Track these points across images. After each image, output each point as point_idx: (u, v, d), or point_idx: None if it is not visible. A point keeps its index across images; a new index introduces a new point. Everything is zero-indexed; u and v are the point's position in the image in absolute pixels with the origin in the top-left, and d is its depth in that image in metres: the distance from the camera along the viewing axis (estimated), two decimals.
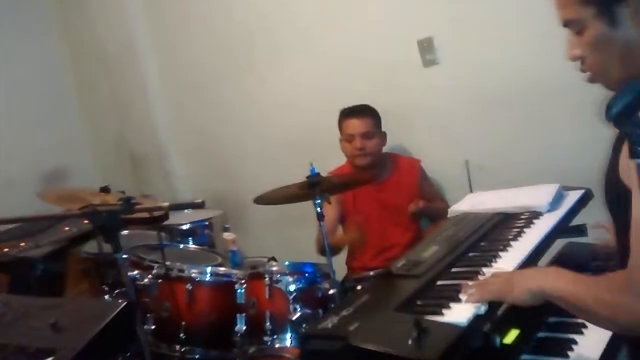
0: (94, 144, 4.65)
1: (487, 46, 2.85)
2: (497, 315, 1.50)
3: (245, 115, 3.82)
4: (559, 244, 2.04)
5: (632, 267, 1.15)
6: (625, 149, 1.14)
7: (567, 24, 1.24)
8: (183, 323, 2.43)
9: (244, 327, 2.35)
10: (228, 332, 2.37)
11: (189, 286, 2.43)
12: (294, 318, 2.23)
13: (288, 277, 2.34)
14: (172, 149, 4.27)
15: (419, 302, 1.50)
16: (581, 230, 2.03)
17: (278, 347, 2.31)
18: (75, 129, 4.55)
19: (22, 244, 2.80)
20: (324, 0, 3.32)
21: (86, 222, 2.76)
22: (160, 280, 2.52)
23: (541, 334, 1.71)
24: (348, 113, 2.95)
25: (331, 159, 3.12)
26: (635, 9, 1.15)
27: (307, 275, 2.34)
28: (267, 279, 2.32)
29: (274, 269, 2.36)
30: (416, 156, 3.15)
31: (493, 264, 1.65)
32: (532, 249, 1.75)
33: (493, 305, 1.43)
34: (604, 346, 1.62)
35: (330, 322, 1.40)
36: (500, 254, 1.72)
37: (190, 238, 3.56)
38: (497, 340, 1.46)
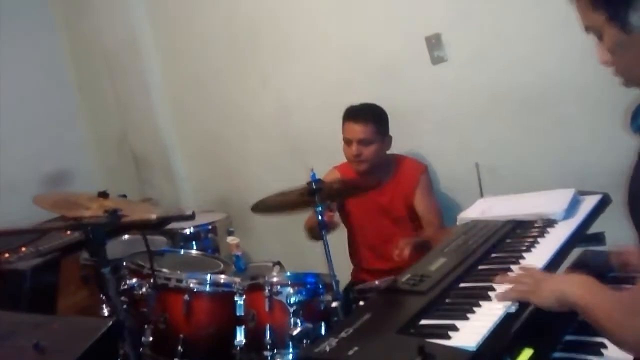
0: (96, 145, 4.59)
1: (498, 42, 2.73)
2: (510, 333, 1.40)
3: (250, 115, 3.74)
4: (574, 251, 1.93)
5: None
6: None
7: (587, 29, 1.24)
8: (181, 335, 2.34)
9: (244, 341, 2.25)
10: (227, 345, 2.28)
11: (186, 297, 2.34)
12: (294, 333, 2.14)
13: (289, 288, 2.24)
14: (175, 150, 4.19)
15: (423, 323, 1.41)
16: (599, 238, 1.93)
17: None
18: (77, 130, 4.49)
19: (7, 255, 2.73)
20: None
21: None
22: (157, 291, 2.42)
23: (557, 354, 1.60)
24: (350, 115, 2.82)
25: (337, 161, 3.02)
26: None
27: (308, 286, 2.25)
28: (266, 290, 2.23)
29: (274, 279, 2.26)
30: (423, 158, 3.03)
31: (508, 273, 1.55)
32: (547, 262, 1.64)
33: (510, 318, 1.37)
34: None
35: (328, 346, 1.33)
36: (512, 267, 1.61)
37: (194, 242, 3.49)
38: None
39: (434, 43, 2.89)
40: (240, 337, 2.26)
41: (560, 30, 2.48)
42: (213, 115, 3.92)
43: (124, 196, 3.63)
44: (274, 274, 2.30)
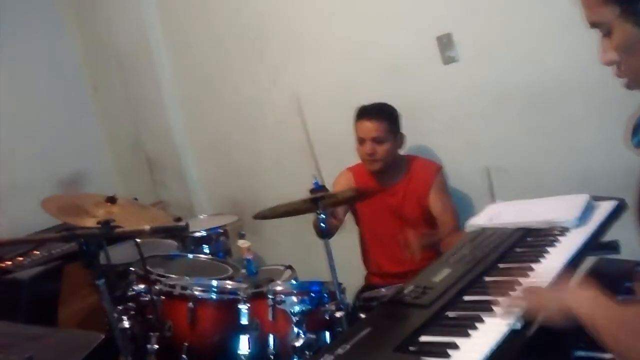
0: (110, 147, 4.57)
1: (510, 42, 2.66)
2: (515, 351, 1.33)
3: (261, 117, 3.69)
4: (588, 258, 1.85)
5: None
6: None
7: (593, 25, 1.15)
8: (185, 344, 2.30)
9: (248, 350, 2.20)
10: (231, 354, 2.23)
11: (191, 305, 2.29)
12: (297, 344, 2.08)
13: (293, 297, 2.19)
14: (187, 151, 4.16)
15: (423, 340, 1.35)
16: (613, 247, 1.84)
17: None
18: (91, 131, 4.47)
19: (7, 264, 2.72)
20: None
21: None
22: (163, 298, 2.39)
23: None
24: (362, 114, 2.79)
25: (347, 162, 2.98)
26: None
27: (313, 295, 2.19)
28: (270, 299, 2.18)
29: (278, 288, 2.21)
30: (433, 157, 2.96)
31: (511, 292, 1.47)
32: (558, 273, 1.57)
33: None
34: None
35: None
36: (520, 279, 1.54)
37: (205, 246, 3.45)
38: None
39: (445, 43, 2.82)
40: (244, 346, 2.21)
41: (572, 29, 2.39)
42: (224, 114, 3.88)
43: (136, 199, 3.61)
44: (278, 282, 2.24)
